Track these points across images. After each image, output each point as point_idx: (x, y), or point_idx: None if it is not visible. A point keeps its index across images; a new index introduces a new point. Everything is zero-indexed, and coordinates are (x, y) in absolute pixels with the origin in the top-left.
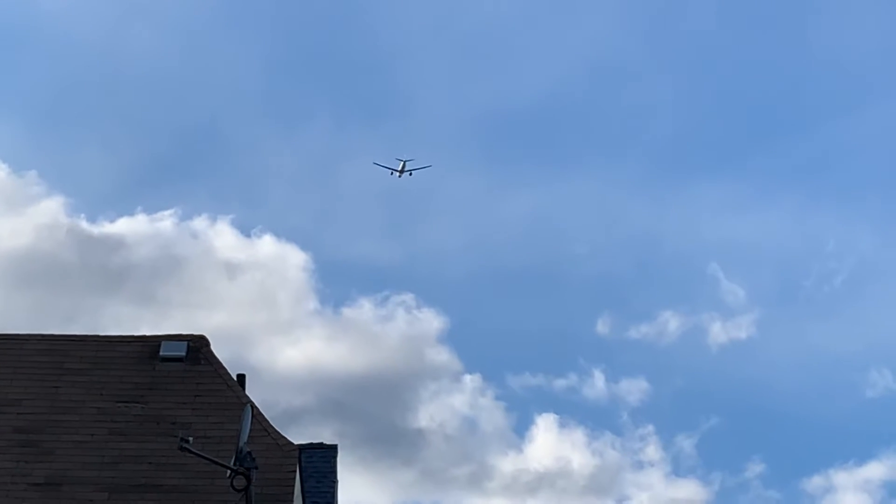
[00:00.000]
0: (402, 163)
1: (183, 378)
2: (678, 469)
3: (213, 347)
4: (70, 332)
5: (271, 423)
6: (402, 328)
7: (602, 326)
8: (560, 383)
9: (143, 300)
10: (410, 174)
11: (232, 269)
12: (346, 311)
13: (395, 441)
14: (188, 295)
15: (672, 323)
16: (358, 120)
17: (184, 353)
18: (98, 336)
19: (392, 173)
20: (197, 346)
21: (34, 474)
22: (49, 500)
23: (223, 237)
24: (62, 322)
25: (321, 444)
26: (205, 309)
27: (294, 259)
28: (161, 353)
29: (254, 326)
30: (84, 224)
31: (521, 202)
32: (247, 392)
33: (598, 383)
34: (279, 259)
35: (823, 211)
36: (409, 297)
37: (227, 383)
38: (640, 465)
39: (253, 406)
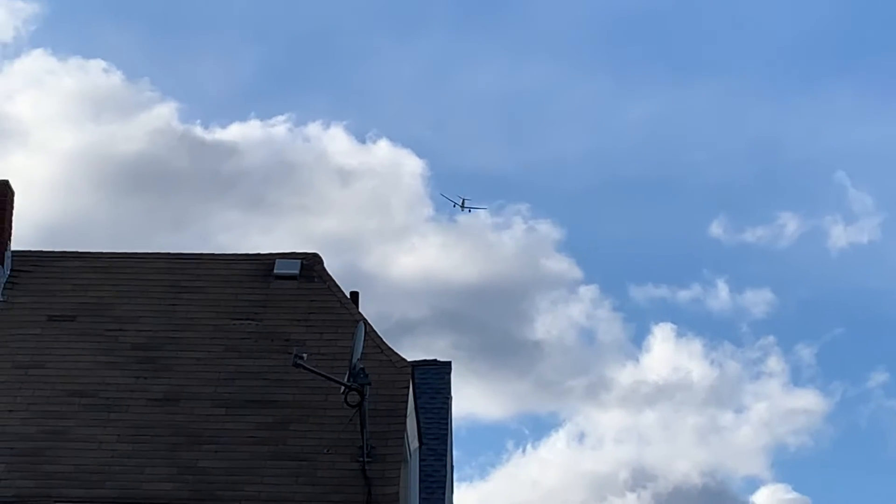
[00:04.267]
0: (462, 199)
1: (296, 296)
2: (797, 379)
3: (325, 257)
4: (180, 238)
5: (384, 338)
6: (519, 237)
7: (716, 228)
8: (684, 294)
9: (254, 206)
10: (469, 211)
11: (345, 176)
12: (462, 219)
13: (510, 352)
14: (300, 201)
15: (790, 226)
16: (476, 24)
17: (297, 271)
18: (213, 255)
19: (454, 206)
20: (310, 264)
21: (153, 390)
22: (167, 415)
23: (337, 143)
24: (172, 228)
25: (434, 360)
26: (317, 215)
27: (409, 165)
28: (275, 271)
29: (367, 233)
30: (197, 130)
31: (640, 109)
32: (359, 307)
33: (721, 294)
34: (394, 165)
35: None
36: (524, 207)
37: (341, 301)
38: (757, 376)
39: (366, 323)
